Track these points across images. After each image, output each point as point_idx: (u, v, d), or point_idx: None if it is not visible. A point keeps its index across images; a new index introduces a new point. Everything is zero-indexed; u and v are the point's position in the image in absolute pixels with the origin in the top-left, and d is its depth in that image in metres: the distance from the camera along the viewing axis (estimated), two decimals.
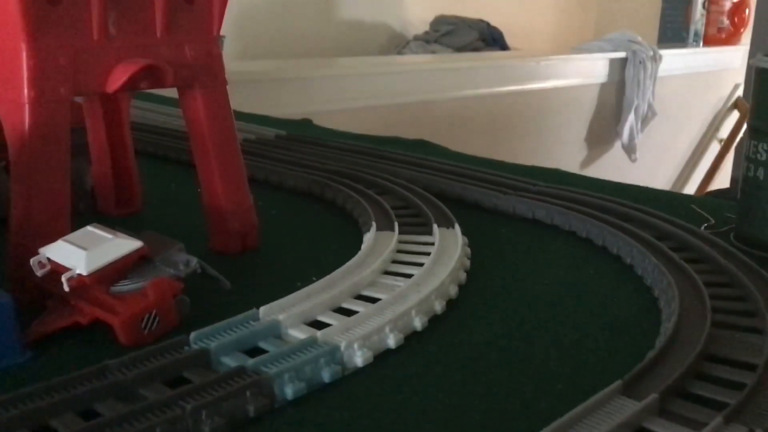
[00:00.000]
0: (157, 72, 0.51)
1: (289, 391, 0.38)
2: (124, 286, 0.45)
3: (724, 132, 3.31)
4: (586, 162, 2.69)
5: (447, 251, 0.55)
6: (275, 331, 0.44)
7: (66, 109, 0.48)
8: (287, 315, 0.44)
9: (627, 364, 0.41)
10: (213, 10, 0.54)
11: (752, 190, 0.59)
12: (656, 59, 2.67)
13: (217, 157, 0.56)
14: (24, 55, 0.46)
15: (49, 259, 0.45)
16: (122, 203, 0.68)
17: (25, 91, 0.46)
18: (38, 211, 0.48)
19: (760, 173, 0.58)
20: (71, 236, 0.46)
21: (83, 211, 0.67)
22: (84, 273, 0.43)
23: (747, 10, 3.22)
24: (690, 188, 3.19)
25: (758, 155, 0.58)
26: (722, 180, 3.25)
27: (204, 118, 0.55)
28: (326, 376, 0.40)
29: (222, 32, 0.57)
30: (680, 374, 0.37)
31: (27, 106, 0.47)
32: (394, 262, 0.54)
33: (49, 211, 0.48)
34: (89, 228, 0.47)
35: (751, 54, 2.92)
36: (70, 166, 0.50)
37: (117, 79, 0.49)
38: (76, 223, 0.48)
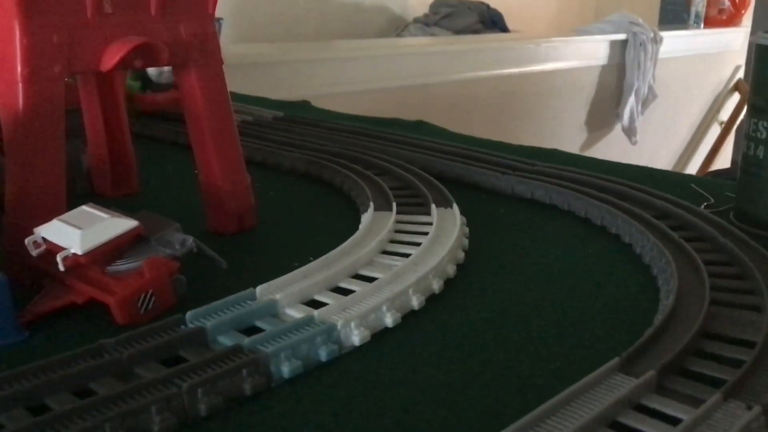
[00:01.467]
0: (153, 50, 0.50)
1: (286, 370, 0.38)
2: (120, 265, 0.45)
3: (725, 114, 3.30)
4: (587, 144, 2.68)
5: (445, 231, 0.55)
6: (272, 311, 0.43)
7: (60, 87, 0.48)
8: (284, 294, 0.44)
9: (625, 342, 0.40)
10: None
11: (752, 168, 0.59)
12: (657, 41, 2.65)
13: (214, 136, 0.56)
14: (17, 33, 0.46)
15: (44, 238, 0.45)
16: (119, 184, 0.68)
17: (19, 69, 0.46)
18: (33, 191, 0.48)
19: (761, 152, 0.58)
20: (66, 216, 0.46)
21: (80, 193, 0.67)
22: (79, 252, 0.43)
23: None
24: (690, 170, 3.18)
25: (758, 133, 0.58)
26: (722, 162, 3.25)
27: (200, 98, 0.55)
28: (323, 354, 0.40)
29: (220, 15, 0.57)
30: (678, 351, 0.37)
31: (21, 84, 0.46)
32: (392, 241, 0.54)
33: (44, 191, 0.48)
34: (84, 207, 0.47)
35: (752, 35, 2.91)
36: (66, 147, 0.49)
37: (112, 57, 0.49)
38: (73, 205, 0.48)
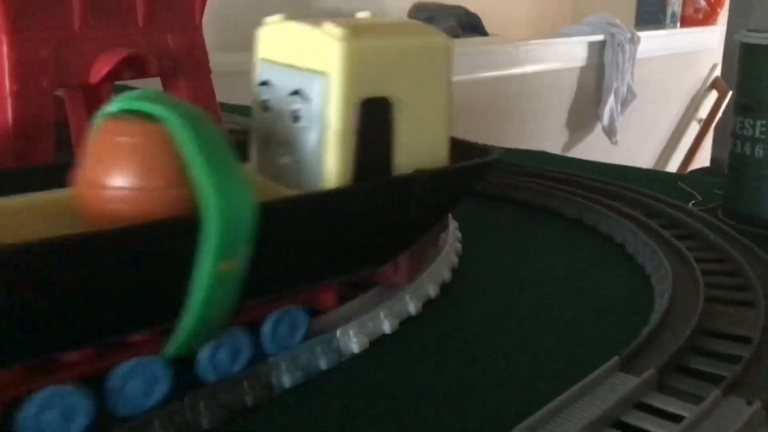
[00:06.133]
0: (140, 62, 0.50)
1: (287, 380, 0.38)
2: None
3: (703, 112, 3.34)
4: (568, 145, 2.70)
5: None
6: None
7: (49, 101, 0.47)
8: None
9: (622, 342, 0.41)
10: None
11: (740, 165, 0.60)
12: (634, 41, 2.68)
13: None
14: (5, 48, 0.45)
15: None
16: None
17: (7, 84, 0.46)
18: None
19: (747, 149, 0.58)
20: None
21: None
22: None
23: None
24: (671, 168, 3.20)
25: (744, 131, 0.58)
26: (702, 160, 3.28)
27: None
28: (323, 363, 0.40)
29: None
30: (677, 349, 0.38)
31: (9, 99, 0.46)
32: None
33: None
34: None
35: (728, 33, 2.94)
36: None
37: (99, 70, 0.49)
38: None
